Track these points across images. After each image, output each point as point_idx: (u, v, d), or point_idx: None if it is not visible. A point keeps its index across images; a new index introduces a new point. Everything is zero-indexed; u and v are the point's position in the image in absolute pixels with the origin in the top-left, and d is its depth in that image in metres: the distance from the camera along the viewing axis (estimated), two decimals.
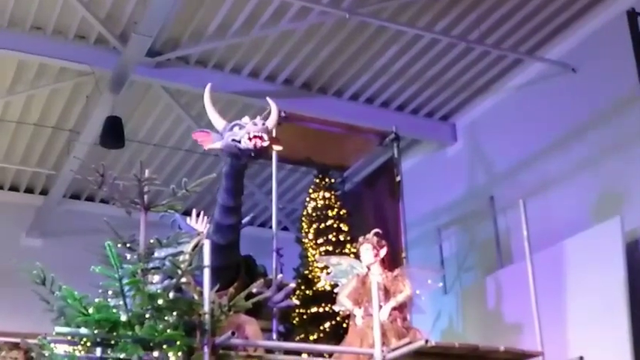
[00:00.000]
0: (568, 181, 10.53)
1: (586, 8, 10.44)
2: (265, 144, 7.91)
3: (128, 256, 6.12)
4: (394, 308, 8.43)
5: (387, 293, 8.40)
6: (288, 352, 8.33)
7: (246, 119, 8.15)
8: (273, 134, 8.62)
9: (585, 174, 10.35)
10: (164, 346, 5.77)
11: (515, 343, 7.96)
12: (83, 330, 5.80)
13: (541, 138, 11.13)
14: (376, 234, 8.98)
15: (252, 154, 7.98)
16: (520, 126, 11.62)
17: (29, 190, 14.66)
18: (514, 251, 10.89)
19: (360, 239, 9.03)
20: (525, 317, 8.52)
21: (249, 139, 7.86)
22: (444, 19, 10.66)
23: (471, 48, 11.09)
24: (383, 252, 8.85)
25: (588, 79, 10.56)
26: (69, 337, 5.92)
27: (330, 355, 8.59)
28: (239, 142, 7.85)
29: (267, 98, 9.03)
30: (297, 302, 10.65)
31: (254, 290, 7.38)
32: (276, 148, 8.67)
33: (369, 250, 8.81)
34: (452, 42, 11.00)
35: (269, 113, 8.69)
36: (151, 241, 6.27)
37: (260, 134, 7.86)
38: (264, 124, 8.06)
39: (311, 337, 10.47)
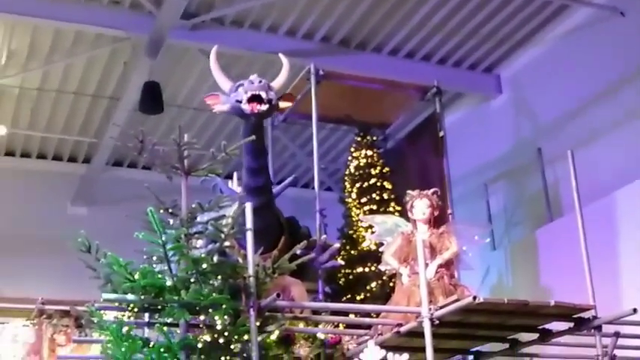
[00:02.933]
0: (617, 131, 10.43)
1: None
2: (264, 107, 7.96)
3: (171, 222, 6.16)
4: (441, 265, 8.42)
5: (433, 251, 8.39)
6: (334, 312, 8.42)
7: (253, 77, 8.18)
8: (287, 90, 8.66)
9: (634, 123, 10.22)
10: (210, 310, 5.86)
11: (566, 297, 7.91)
12: (130, 296, 5.91)
13: (588, 87, 11.02)
14: (435, 192, 8.93)
15: (256, 116, 8.12)
16: (566, 76, 11.52)
17: (72, 159, 14.89)
18: (563, 204, 10.83)
19: (415, 193, 8.96)
20: (576, 271, 8.47)
21: (248, 101, 7.92)
22: None
23: None
24: (434, 210, 8.83)
25: (638, 23, 10.36)
26: (117, 304, 6.08)
27: (377, 314, 8.58)
28: (241, 102, 7.93)
29: (280, 54, 9.04)
30: (342, 263, 10.74)
31: (298, 252, 7.44)
32: (284, 105, 8.68)
33: (426, 206, 8.74)
34: None
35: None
36: (193, 205, 6.31)
37: (257, 92, 7.90)
38: (260, 81, 8.07)
39: (357, 298, 10.56)
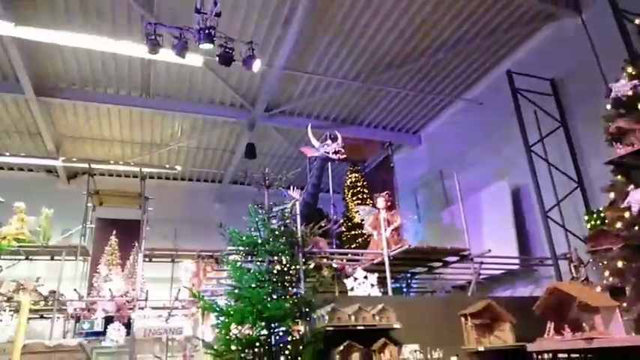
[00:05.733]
0: (482, 161, 10.20)
1: None
2: (343, 157, 8.39)
3: (260, 211, 6.16)
4: (392, 230, 8.46)
5: (388, 223, 8.43)
6: (341, 254, 8.46)
7: (328, 141, 8.42)
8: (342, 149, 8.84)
9: (490, 157, 10.05)
10: (280, 254, 5.87)
11: (455, 244, 7.91)
12: (240, 247, 5.94)
13: (466, 141, 10.76)
14: (386, 194, 8.99)
15: (334, 160, 8.44)
16: (455, 134, 11.26)
17: (213, 181, 14.75)
18: (453, 199, 10.67)
19: (377, 195, 9.03)
20: (460, 232, 8.44)
21: (334, 152, 8.22)
22: None
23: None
24: (388, 203, 8.89)
25: (489, 108, 10.31)
26: (234, 252, 6.10)
27: (362, 254, 8.62)
28: (328, 153, 8.21)
29: (336, 131, 9.14)
30: (344, 229, 10.76)
31: (322, 224, 7.51)
32: (342, 156, 8.87)
33: (383, 200, 8.82)
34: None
35: (335, 137, 8.84)
36: (270, 203, 6.32)
37: (339, 149, 8.21)
38: (338, 144, 8.43)
39: (352, 246, 10.58)
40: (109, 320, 8.96)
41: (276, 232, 5.99)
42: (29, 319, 7.22)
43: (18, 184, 11.02)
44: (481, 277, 8.03)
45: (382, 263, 7.20)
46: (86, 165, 11.32)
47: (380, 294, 6.59)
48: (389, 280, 6.95)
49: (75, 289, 9.58)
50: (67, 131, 11.54)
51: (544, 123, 8.64)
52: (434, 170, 11.87)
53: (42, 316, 9.25)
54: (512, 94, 8.46)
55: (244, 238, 5.87)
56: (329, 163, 10.15)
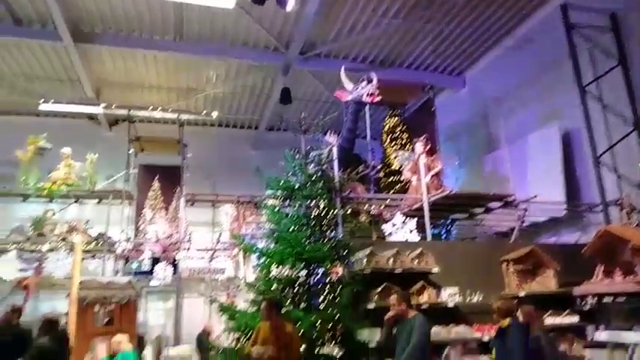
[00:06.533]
0: (528, 104, 9.79)
1: None
2: (377, 99, 8.16)
3: (297, 156, 6.15)
4: (433, 175, 8.35)
5: (429, 168, 8.32)
6: (378, 199, 8.47)
7: (362, 83, 8.21)
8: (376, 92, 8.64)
9: (537, 100, 9.58)
10: (317, 197, 5.90)
11: (499, 190, 7.75)
12: (278, 192, 5.98)
13: (512, 81, 10.33)
14: (426, 138, 8.81)
15: (368, 103, 8.37)
16: (501, 75, 10.78)
17: (249, 127, 14.75)
18: (498, 143, 10.35)
19: (416, 140, 8.86)
20: (504, 177, 8.25)
21: (369, 95, 8.04)
22: None
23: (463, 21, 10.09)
24: (426, 148, 8.72)
25: (541, 46, 9.66)
26: (272, 197, 6.19)
27: (400, 200, 8.60)
28: (362, 96, 8.05)
29: (372, 72, 8.93)
30: (382, 175, 10.72)
31: (360, 170, 7.50)
32: (377, 99, 8.68)
33: (422, 145, 8.66)
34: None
35: (371, 79, 8.63)
36: (307, 148, 6.28)
37: (373, 91, 8.00)
38: (372, 86, 8.21)
39: (390, 192, 10.56)
40: (156, 261, 9.51)
41: (313, 177, 5.99)
42: (82, 258, 7.72)
43: (62, 132, 11.40)
44: (524, 223, 7.88)
45: (421, 209, 7.15)
46: (125, 111, 11.58)
47: (418, 240, 6.62)
48: (428, 226, 6.93)
49: (122, 231, 10.14)
50: (106, 78, 11.75)
51: (598, 62, 8.08)
52: (477, 114, 11.43)
53: (94, 257, 9.89)
54: (565, 30, 7.90)
55: (281, 182, 5.90)
56: (366, 108, 9.93)
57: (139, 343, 7.67)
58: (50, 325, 4.99)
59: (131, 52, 10.69)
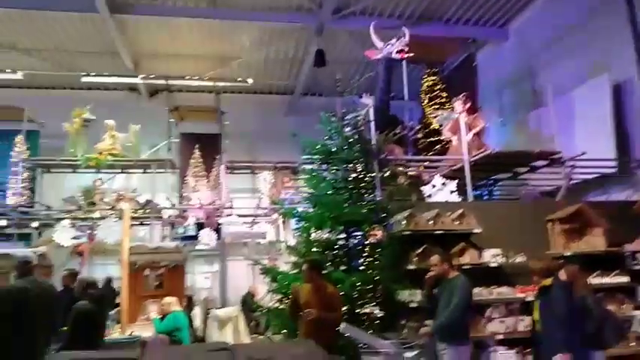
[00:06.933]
0: (572, 58, 9.20)
1: None
2: (406, 55, 7.96)
3: (333, 119, 6.15)
4: (475, 134, 8.12)
5: (469, 127, 8.09)
6: (417, 161, 8.34)
7: (392, 40, 8.00)
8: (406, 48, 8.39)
9: (581, 55, 8.98)
10: (354, 161, 5.91)
11: (544, 147, 7.46)
12: (315, 156, 6.04)
13: (556, 34, 9.74)
14: (466, 96, 8.52)
15: (398, 60, 8.13)
16: (544, 28, 10.18)
17: (283, 93, 14.61)
18: (543, 100, 9.88)
19: (456, 98, 8.57)
20: (548, 135, 7.90)
21: (398, 52, 7.82)
22: None
23: None
24: (467, 106, 8.43)
25: None
26: (309, 161, 6.24)
27: (440, 161, 8.46)
28: (392, 53, 7.88)
29: (403, 28, 8.69)
30: (421, 136, 10.52)
31: (397, 131, 7.39)
32: (408, 55, 8.44)
33: (461, 103, 8.38)
34: None
35: (403, 34, 8.41)
36: (343, 110, 6.23)
37: (402, 48, 7.81)
38: (401, 42, 7.99)
39: (429, 154, 10.37)
40: (200, 226, 9.89)
41: (350, 140, 5.96)
42: (131, 225, 8.13)
43: (103, 104, 11.75)
44: (572, 182, 7.61)
45: (462, 170, 7.01)
46: (163, 81, 11.80)
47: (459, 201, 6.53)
48: (469, 187, 6.81)
49: (167, 198, 10.57)
50: (142, 48, 11.91)
51: None
52: (522, 68, 10.90)
53: (142, 223, 10.39)
54: None
55: (319, 146, 5.92)
56: (403, 67, 9.66)
57: (189, 304, 8.09)
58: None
59: (166, 21, 10.75)
